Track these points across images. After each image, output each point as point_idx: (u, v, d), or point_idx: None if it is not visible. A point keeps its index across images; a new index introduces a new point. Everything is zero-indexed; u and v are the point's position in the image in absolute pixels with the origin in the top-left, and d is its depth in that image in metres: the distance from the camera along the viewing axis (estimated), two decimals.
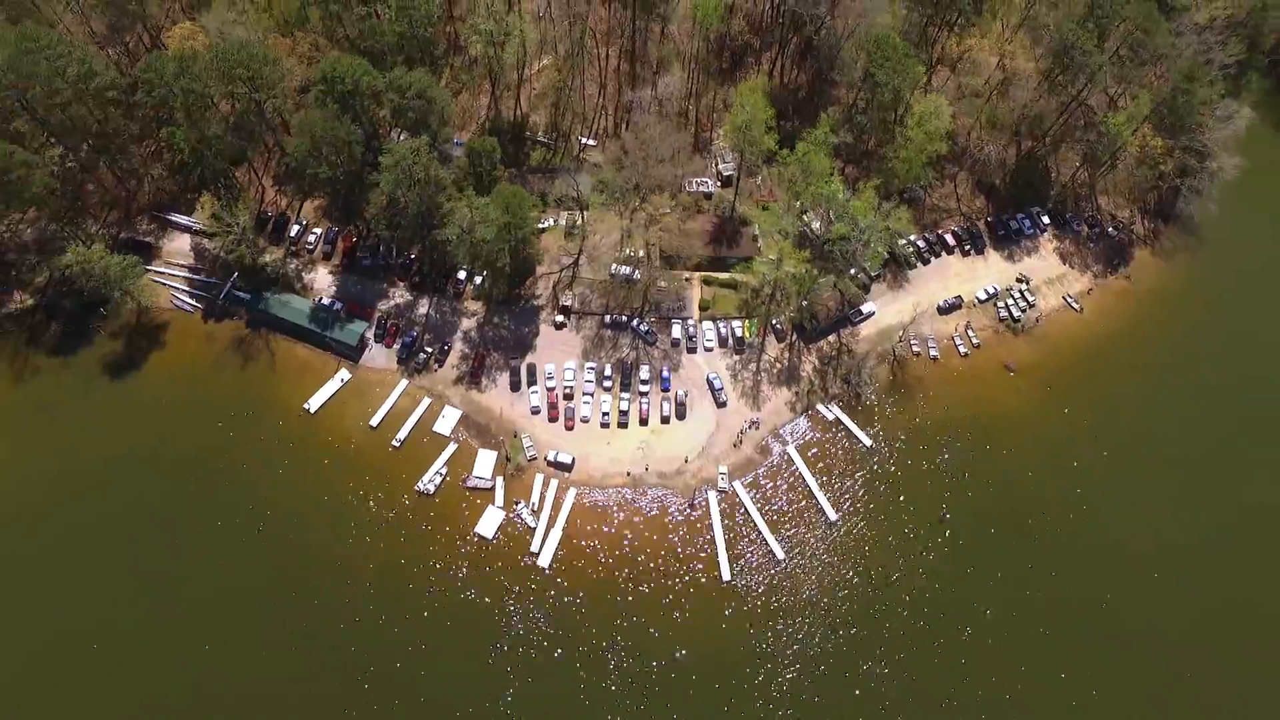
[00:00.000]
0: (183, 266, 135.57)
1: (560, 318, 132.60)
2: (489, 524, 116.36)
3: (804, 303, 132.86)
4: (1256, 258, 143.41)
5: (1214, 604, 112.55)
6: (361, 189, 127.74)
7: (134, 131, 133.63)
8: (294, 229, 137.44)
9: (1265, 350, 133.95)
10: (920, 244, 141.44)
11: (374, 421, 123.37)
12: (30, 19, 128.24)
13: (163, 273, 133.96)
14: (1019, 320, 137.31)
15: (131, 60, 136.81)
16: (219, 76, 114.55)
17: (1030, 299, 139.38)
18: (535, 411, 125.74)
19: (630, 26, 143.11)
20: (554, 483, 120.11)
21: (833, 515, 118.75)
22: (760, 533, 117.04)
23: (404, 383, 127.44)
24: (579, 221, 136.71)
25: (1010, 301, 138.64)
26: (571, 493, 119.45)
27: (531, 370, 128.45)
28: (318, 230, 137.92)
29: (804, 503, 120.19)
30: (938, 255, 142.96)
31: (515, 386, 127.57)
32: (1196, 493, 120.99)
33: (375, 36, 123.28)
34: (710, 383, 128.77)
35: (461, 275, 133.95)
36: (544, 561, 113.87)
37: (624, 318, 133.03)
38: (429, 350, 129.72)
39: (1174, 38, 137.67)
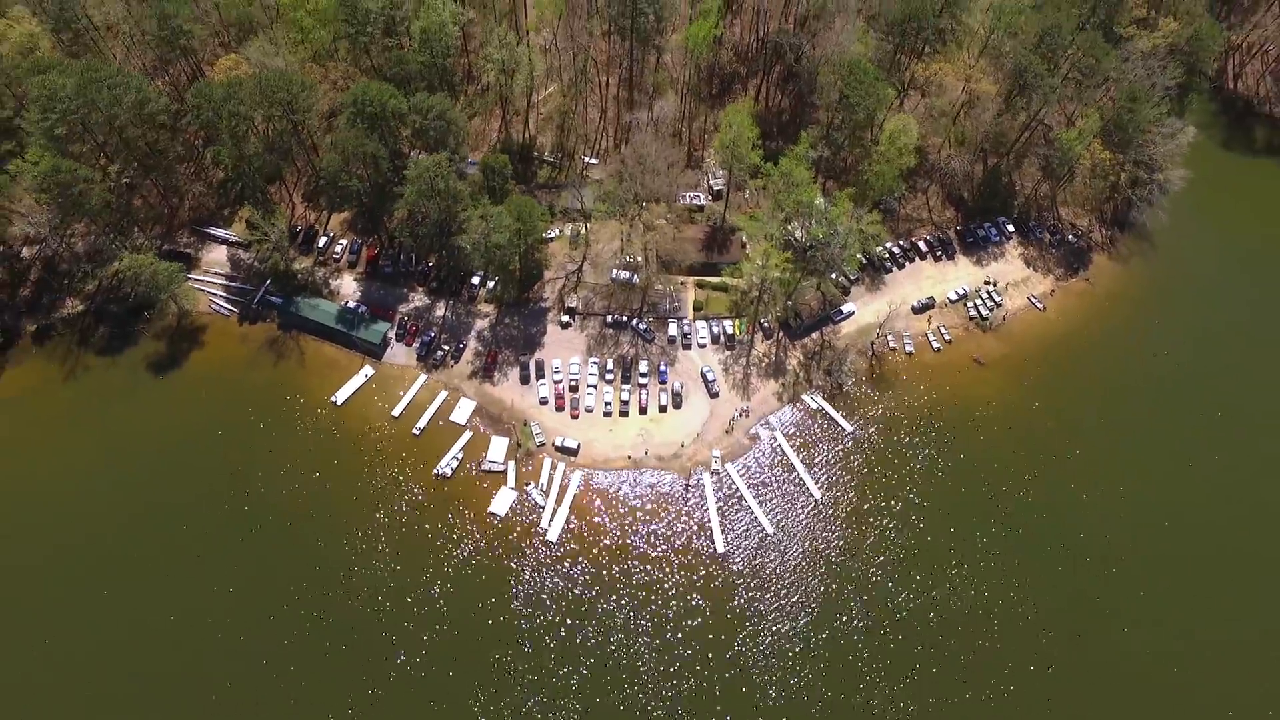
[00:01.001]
0: (220, 275, 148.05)
1: (566, 318, 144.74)
2: (502, 502, 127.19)
3: (789, 303, 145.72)
4: (1203, 261, 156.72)
5: (1164, 564, 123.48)
6: (385, 202, 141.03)
7: (178, 152, 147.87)
8: (322, 240, 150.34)
9: (1209, 343, 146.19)
10: (895, 250, 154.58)
11: (396, 412, 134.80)
12: (89, 53, 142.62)
13: (202, 280, 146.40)
14: (987, 318, 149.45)
15: (176, 90, 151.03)
16: (261, 100, 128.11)
17: (997, 299, 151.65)
18: (544, 402, 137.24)
19: (628, 57, 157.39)
20: (561, 466, 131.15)
21: (816, 493, 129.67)
22: (750, 509, 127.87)
23: (423, 377, 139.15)
24: (582, 231, 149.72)
25: (979, 302, 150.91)
26: (577, 474, 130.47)
27: (540, 365, 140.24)
28: (343, 241, 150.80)
29: (790, 482, 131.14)
30: (912, 260, 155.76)
31: (525, 380, 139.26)
32: (1144, 466, 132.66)
33: (400, 65, 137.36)
34: (704, 376, 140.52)
35: (475, 280, 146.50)
36: (552, 536, 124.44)
37: (624, 318, 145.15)
38: (446, 348, 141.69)
39: (1121, 63, 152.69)
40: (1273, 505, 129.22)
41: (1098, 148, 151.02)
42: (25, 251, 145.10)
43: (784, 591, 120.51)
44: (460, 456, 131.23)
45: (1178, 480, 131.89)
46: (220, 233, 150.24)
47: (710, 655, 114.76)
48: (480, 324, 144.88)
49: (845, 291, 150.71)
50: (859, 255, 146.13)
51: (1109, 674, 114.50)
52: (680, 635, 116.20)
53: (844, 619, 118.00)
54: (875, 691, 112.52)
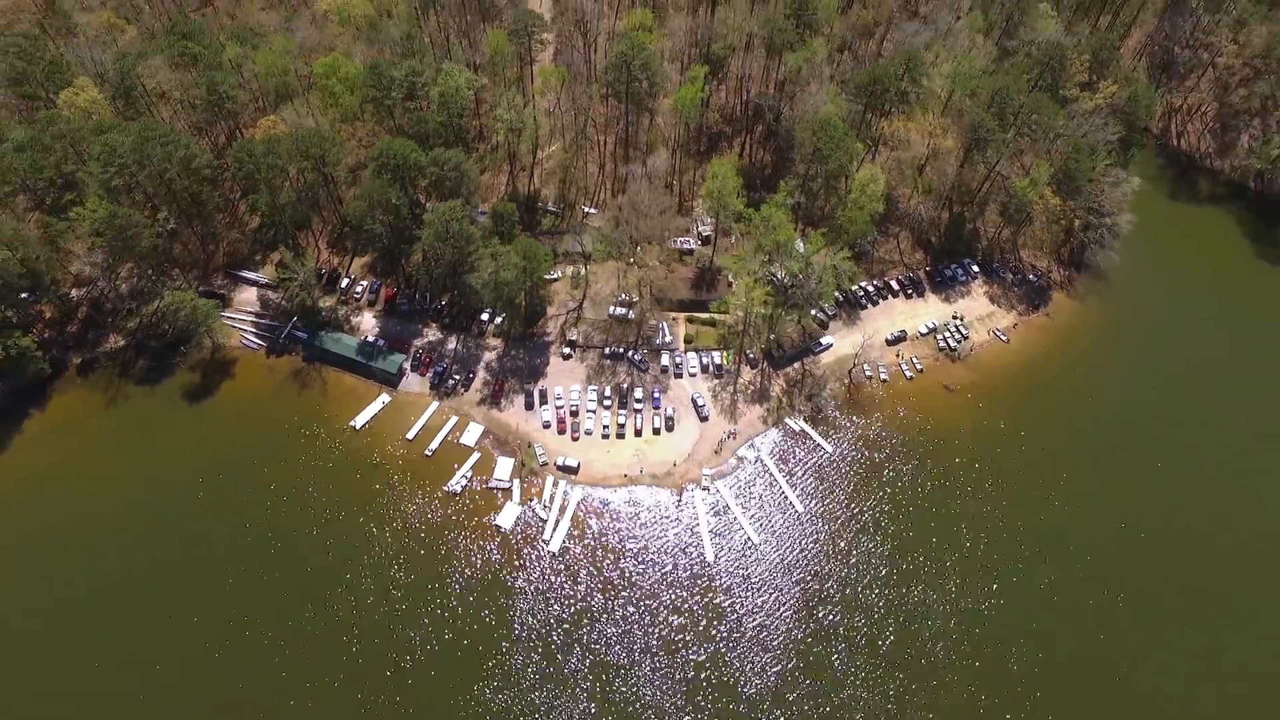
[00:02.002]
0: (250, 313, 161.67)
1: (567, 350, 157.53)
2: (507, 516, 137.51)
3: (772, 336, 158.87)
4: (1152, 297, 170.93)
5: (1120, 560, 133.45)
6: (404, 245, 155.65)
7: (217, 203, 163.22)
8: (344, 281, 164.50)
9: (1159, 370, 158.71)
10: (870, 288, 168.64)
11: (410, 435, 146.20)
12: (142, 116, 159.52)
13: (234, 317, 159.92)
14: (955, 350, 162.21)
15: (216, 148, 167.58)
16: (296, 154, 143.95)
17: (964, 332, 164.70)
18: (546, 426, 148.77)
19: (624, 118, 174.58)
20: (562, 483, 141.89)
21: (799, 506, 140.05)
22: (738, 522, 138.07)
23: (435, 404, 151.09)
24: (583, 272, 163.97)
25: (948, 335, 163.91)
26: (577, 491, 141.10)
27: (543, 393, 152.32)
28: (364, 282, 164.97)
29: (775, 496, 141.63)
30: (885, 298, 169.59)
31: (529, 406, 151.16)
32: (1101, 480, 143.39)
33: (420, 124, 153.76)
34: (694, 401, 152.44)
35: (485, 316, 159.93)
36: (554, 547, 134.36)
37: (621, 350, 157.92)
38: (457, 377, 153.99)
39: (1068, 120, 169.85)
40: (1209, 503, 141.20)
41: (1050, 194, 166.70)
42: (74, 292, 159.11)
43: (767, 592, 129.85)
44: (469, 475, 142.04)
45: (1130, 486, 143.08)
46: (251, 275, 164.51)
47: (698, 648, 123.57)
48: (488, 356, 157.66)
49: (824, 325, 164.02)
50: (835, 292, 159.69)
51: (1072, 667, 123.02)
52: (672, 632, 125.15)
53: (821, 616, 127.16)
54: (848, 679, 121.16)
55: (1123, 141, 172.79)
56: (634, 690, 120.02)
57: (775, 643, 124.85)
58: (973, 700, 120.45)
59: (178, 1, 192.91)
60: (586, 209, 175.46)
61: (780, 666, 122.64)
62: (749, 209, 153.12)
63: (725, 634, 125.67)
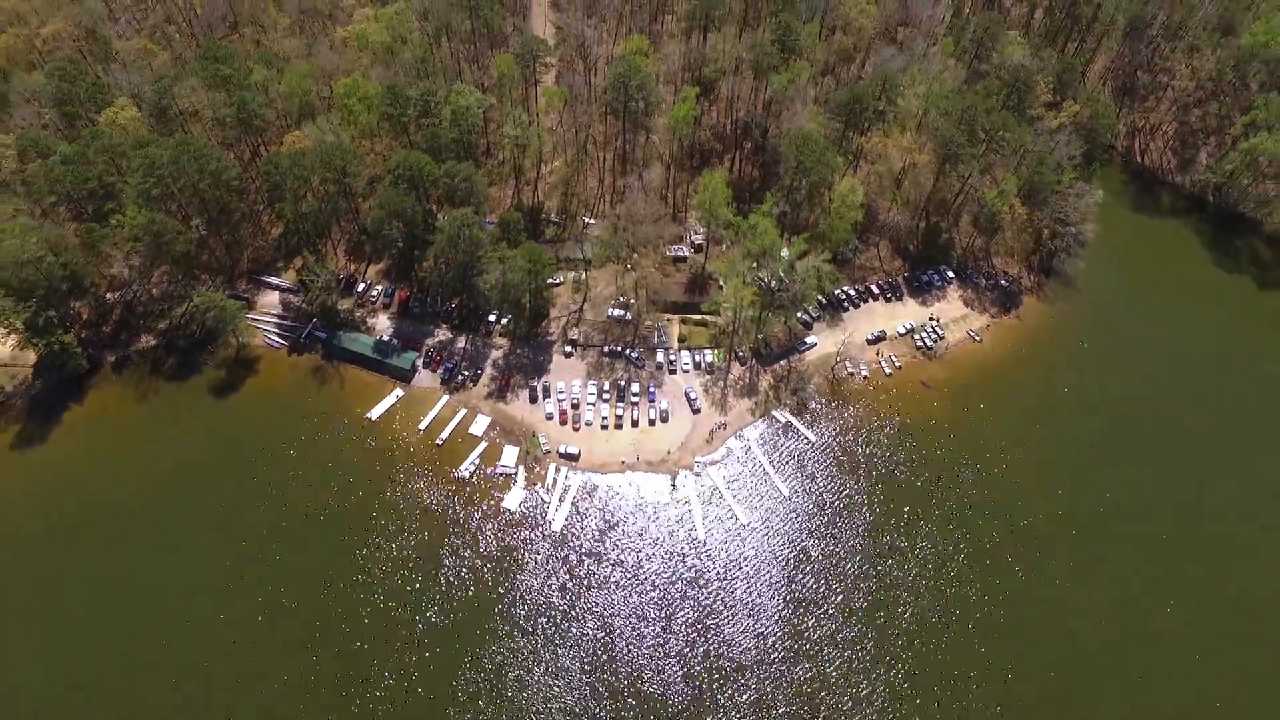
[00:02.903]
0: (272, 315, 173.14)
1: (569, 348, 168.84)
2: (513, 499, 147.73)
3: (760, 335, 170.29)
4: (1115, 300, 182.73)
5: (1075, 532, 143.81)
6: (417, 250, 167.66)
7: (243, 212, 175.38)
8: (361, 286, 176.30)
9: (1118, 366, 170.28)
10: (851, 292, 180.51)
11: (422, 426, 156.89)
12: (176, 132, 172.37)
13: (257, 319, 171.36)
14: (931, 348, 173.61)
15: (241, 162, 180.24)
16: (320, 165, 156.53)
17: (940, 333, 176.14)
18: (549, 417, 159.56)
19: (622, 135, 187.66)
20: (564, 469, 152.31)
21: (784, 490, 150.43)
22: (728, 503, 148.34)
23: (446, 397, 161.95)
24: (583, 277, 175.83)
25: (924, 335, 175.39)
26: (578, 476, 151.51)
27: (546, 387, 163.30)
28: (379, 287, 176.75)
29: (762, 482, 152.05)
30: (866, 301, 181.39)
31: (534, 399, 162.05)
32: (1065, 459, 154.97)
33: (434, 139, 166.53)
34: (687, 395, 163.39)
35: (492, 317, 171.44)
36: (557, 526, 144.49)
37: (619, 348, 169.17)
38: (466, 373, 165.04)
39: (1034, 136, 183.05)
40: (1154, 473, 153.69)
41: (1018, 205, 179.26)
42: (109, 295, 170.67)
43: (753, 565, 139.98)
44: (478, 462, 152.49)
45: (1090, 466, 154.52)
46: (274, 280, 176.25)
47: (689, 617, 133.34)
48: (495, 353, 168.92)
49: (808, 326, 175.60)
50: (818, 295, 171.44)
51: (1019, 610, 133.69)
52: (666, 602, 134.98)
53: (803, 587, 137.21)
54: (824, 640, 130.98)
55: (1086, 156, 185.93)
56: (629, 650, 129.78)
57: (760, 608, 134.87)
58: (936, 651, 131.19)
59: (206, 29, 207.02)
60: (587, 219, 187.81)
61: (765, 630, 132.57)
62: (738, 217, 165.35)
63: (713, 602, 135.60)
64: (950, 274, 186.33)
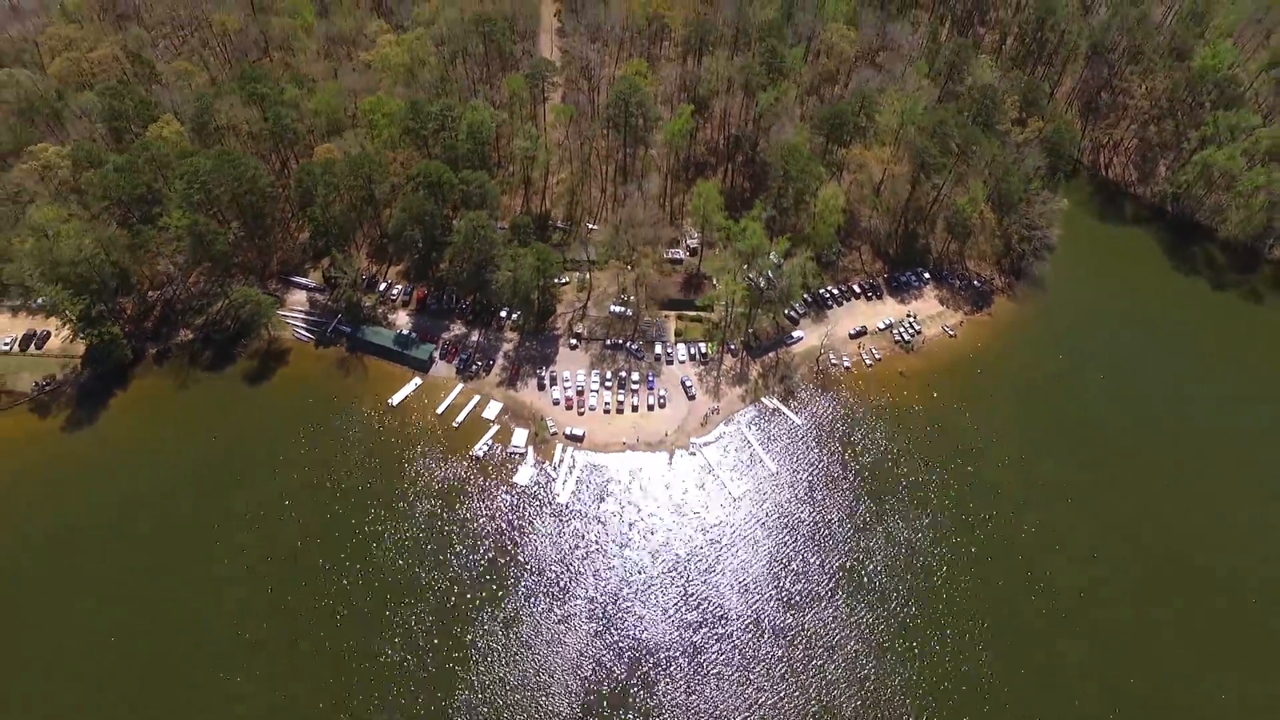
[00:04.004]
0: (300, 312, 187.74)
1: (574, 341, 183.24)
2: (524, 475, 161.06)
3: (750, 330, 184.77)
4: (1080, 300, 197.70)
5: (1040, 501, 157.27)
6: (436, 253, 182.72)
7: (275, 218, 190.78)
8: (382, 285, 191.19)
9: (1080, 359, 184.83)
10: (835, 291, 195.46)
11: (439, 410, 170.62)
12: (213, 145, 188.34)
13: (286, 315, 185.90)
14: (909, 343, 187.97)
15: (273, 171, 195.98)
16: (349, 173, 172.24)
17: (917, 328, 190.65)
18: (556, 403, 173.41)
19: (623, 148, 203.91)
20: (570, 449, 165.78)
21: (772, 467, 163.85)
22: (721, 479, 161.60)
23: (461, 385, 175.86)
24: (587, 277, 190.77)
25: (902, 330, 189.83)
26: (582, 455, 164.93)
27: (553, 376, 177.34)
28: (399, 286, 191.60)
29: (751, 459, 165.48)
30: (849, 300, 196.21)
31: (541, 387, 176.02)
32: (1031, 439, 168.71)
33: (451, 150, 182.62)
34: (683, 383, 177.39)
35: (503, 314, 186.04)
36: (563, 499, 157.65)
37: (620, 341, 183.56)
38: (479, 364, 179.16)
39: (1002, 149, 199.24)
40: (1110, 454, 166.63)
41: (987, 212, 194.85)
42: (151, 294, 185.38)
43: (743, 531, 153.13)
44: (491, 443, 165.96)
45: (1053, 444, 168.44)
46: (301, 280, 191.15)
47: (683, 576, 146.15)
48: (506, 346, 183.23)
49: (795, 322, 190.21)
50: (804, 294, 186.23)
51: (981, 569, 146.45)
52: (660, 562, 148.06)
53: (787, 549, 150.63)
54: (804, 594, 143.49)
55: (1051, 168, 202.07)
56: (628, 606, 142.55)
57: (749, 570, 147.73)
58: (903, 608, 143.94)
59: (240, 53, 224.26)
60: (590, 225, 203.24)
61: (750, 586, 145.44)
62: (730, 222, 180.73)
63: (707, 566, 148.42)
64: (927, 275, 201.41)
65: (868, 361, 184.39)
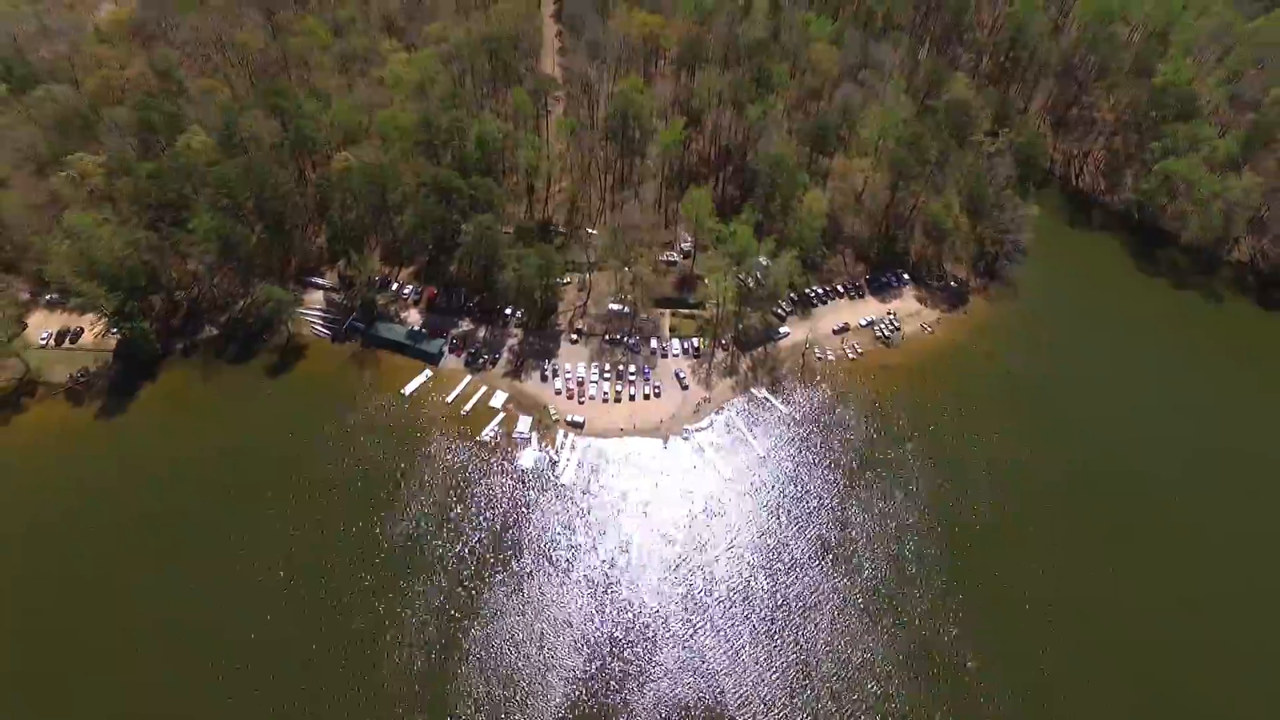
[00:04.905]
0: (317, 310, 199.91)
1: (575, 336, 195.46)
2: (528, 459, 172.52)
3: (740, 327, 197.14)
4: (1049, 300, 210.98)
5: (1011, 483, 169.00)
6: (445, 256, 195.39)
7: (294, 222, 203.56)
8: (394, 285, 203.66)
9: (1047, 353, 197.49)
10: (820, 291, 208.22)
11: (449, 399, 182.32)
12: (240, 154, 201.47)
13: (305, 312, 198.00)
14: (889, 338, 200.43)
15: (292, 179, 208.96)
16: (365, 181, 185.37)
17: (897, 325, 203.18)
18: (558, 393, 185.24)
19: (621, 159, 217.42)
20: (571, 435, 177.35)
21: (760, 450, 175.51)
22: (711, 462, 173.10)
23: (469, 377, 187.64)
24: (586, 277, 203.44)
25: (883, 327, 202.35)
26: (583, 440, 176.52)
27: (555, 368, 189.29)
28: (410, 286, 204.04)
29: (740, 443, 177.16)
30: (832, 299, 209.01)
31: (544, 378, 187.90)
32: (1003, 424, 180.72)
33: (461, 159, 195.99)
34: (677, 375, 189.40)
35: (508, 311, 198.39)
36: (565, 480, 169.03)
37: (618, 336, 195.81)
38: (486, 357, 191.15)
39: (975, 158, 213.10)
40: (1075, 437, 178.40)
41: (961, 217, 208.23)
42: (178, 293, 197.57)
43: (734, 509, 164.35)
44: (497, 429, 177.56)
45: (1025, 430, 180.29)
46: (319, 280, 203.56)
47: (677, 546, 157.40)
48: (511, 341, 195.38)
49: (782, 319, 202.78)
50: (790, 293, 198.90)
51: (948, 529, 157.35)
52: (654, 534, 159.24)
53: (774, 522, 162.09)
54: (790, 563, 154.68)
55: (1021, 176, 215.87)
56: (625, 572, 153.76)
57: (740, 543, 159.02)
58: (877, 574, 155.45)
59: (261, 70, 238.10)
60: (590, 230, 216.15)
61: (740, 555, 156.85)
62: (720, 225, 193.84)
63: (700, 538, 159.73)
64: (906, 276, 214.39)
65: (850, 355, 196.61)
